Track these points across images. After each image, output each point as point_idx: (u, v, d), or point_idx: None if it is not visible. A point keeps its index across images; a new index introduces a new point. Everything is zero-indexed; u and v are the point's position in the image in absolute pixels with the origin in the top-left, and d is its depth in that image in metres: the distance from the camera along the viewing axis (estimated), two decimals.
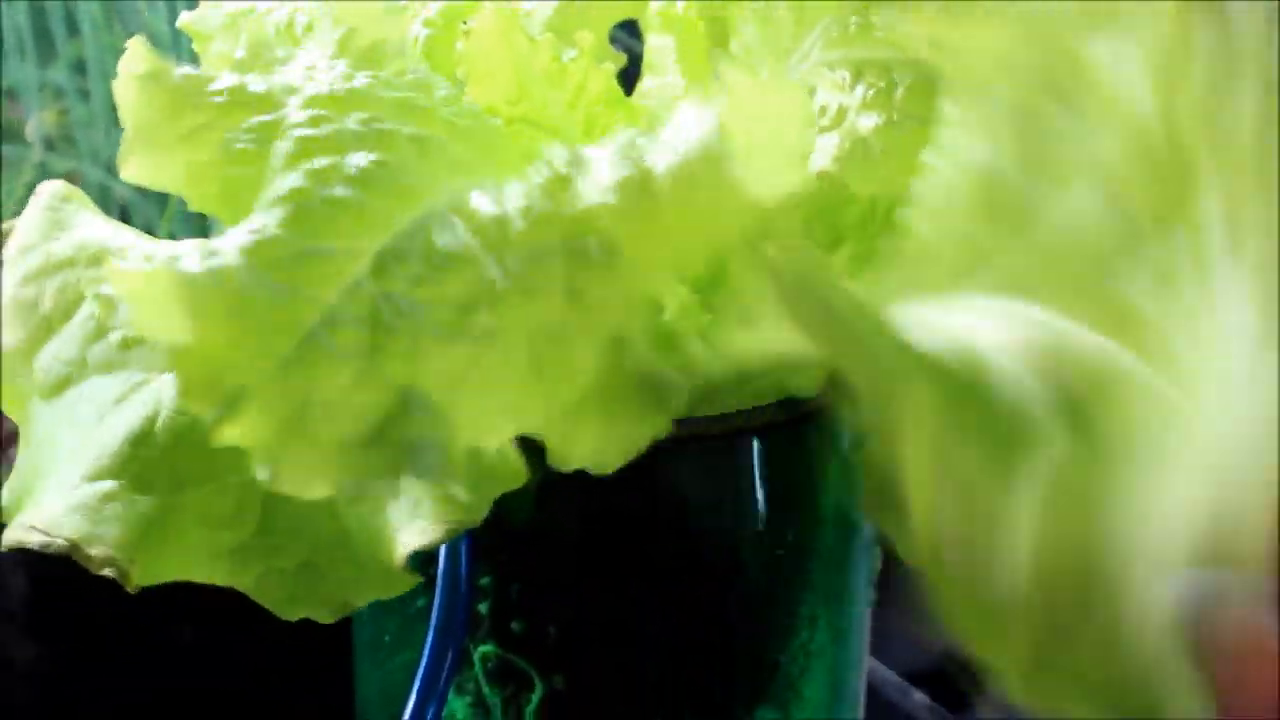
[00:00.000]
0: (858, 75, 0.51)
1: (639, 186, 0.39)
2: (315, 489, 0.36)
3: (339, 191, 0.39)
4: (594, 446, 0.38)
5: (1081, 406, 0.37)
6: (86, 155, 0.88)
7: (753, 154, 0.39)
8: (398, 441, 0.36)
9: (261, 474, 0.35)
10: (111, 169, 0.88)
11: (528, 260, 0.38)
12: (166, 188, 0.42)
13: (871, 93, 0.50)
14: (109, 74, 0.88)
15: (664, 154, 0.40)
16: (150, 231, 0.93)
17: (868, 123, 0.50)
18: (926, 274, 0.44)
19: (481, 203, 0.40)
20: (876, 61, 0.50)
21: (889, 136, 0.50)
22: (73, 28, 0.92)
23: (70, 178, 0.92)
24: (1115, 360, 0.37)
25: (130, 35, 0.80)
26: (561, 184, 0.40)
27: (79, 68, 0.91)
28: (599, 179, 0.40)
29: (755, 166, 0.40)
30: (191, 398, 0.35)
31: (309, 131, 0.41)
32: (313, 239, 0.38)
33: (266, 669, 0.81)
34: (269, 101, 0.42)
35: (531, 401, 0.38)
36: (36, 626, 0.82)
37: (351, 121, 0.42)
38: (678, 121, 0.42)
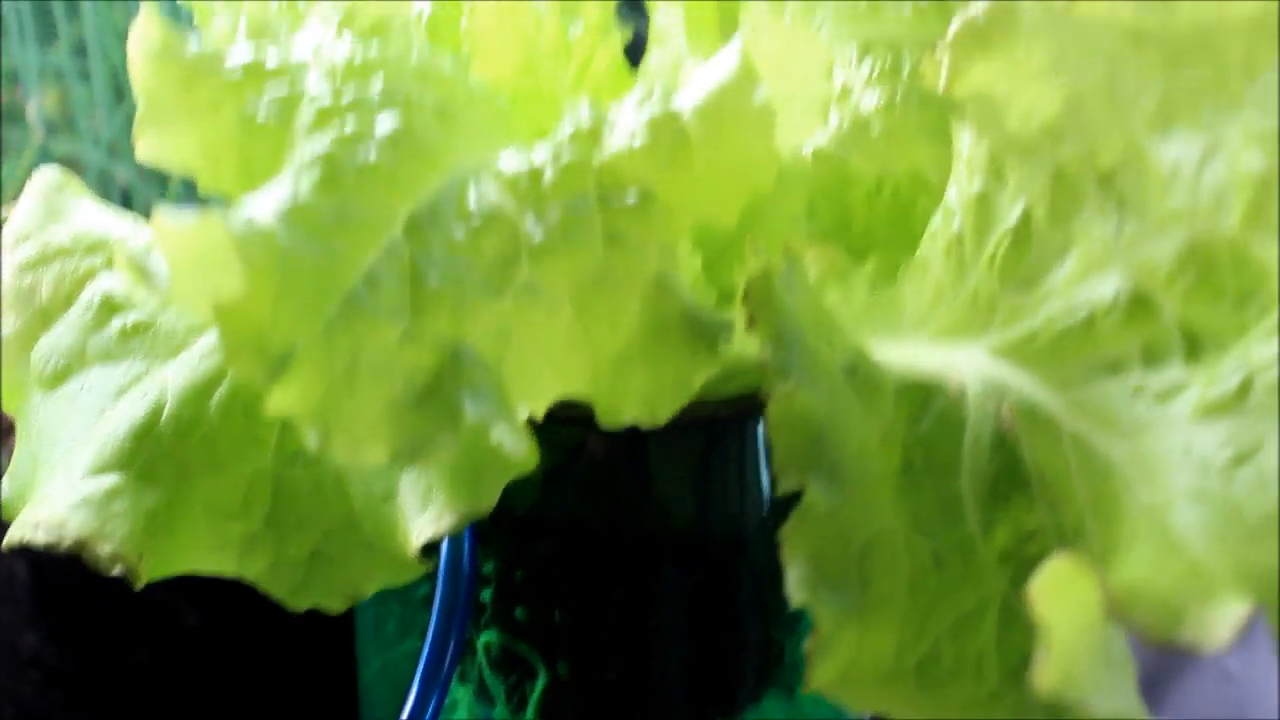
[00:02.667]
0: (865, 52, 0.50)
1: (666, 126, 0.39)
2: (369, 452, 0.35)
3: (368, 155, 0.39)
4: (644, 395, 0.38)
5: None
6: (87, 138, 0.87)
7: (776, 99, 0.39)
8: (451, 396, 0.35)
9: (312, 440, 0.35)
10: (113, 152, 0.88)
11: (563, 211, 0.38)
12: (180, 165, 0.42)
13: (877, 70, 0.50)
14: (110, 55, 0.87)
15: (690, 94, 0.40)
16: (150, 214, 0.93)
17: (870, 101, 0.50)
18: (930, 315, 0.44)
19: (510, 162, 0.39)
20: (884, 39, 0.50)
21: (890, 116, 0.49)
22: (73, 9, 0.91)
23: (71, 161, 0.92)
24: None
25: (131, 16, 0.80)
26: (588, 135, 0.40)
27: (80, 49, 0.91)
28: (625, 126, 0.40)
29: (779, 113, 0.39)
30: (238, 359, 0.34)
31: (332, 100, 0.40)
32: (346, 201, 0.37)
33: (270, 653, 0.81)
34: (286, 73, 0.41)
35: (578, 355, 0.38)
36: (40, 613, 0.81)
37: (374, 90, 0.41)
38: (703, 67, 0.41)
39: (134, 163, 0.88)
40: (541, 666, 0.55)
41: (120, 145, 0.87)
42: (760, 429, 0.54)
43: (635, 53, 0.65)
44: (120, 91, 0.87)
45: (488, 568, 0.55)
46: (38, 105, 0.88)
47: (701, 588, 0.56)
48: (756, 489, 0.55)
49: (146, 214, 0.89)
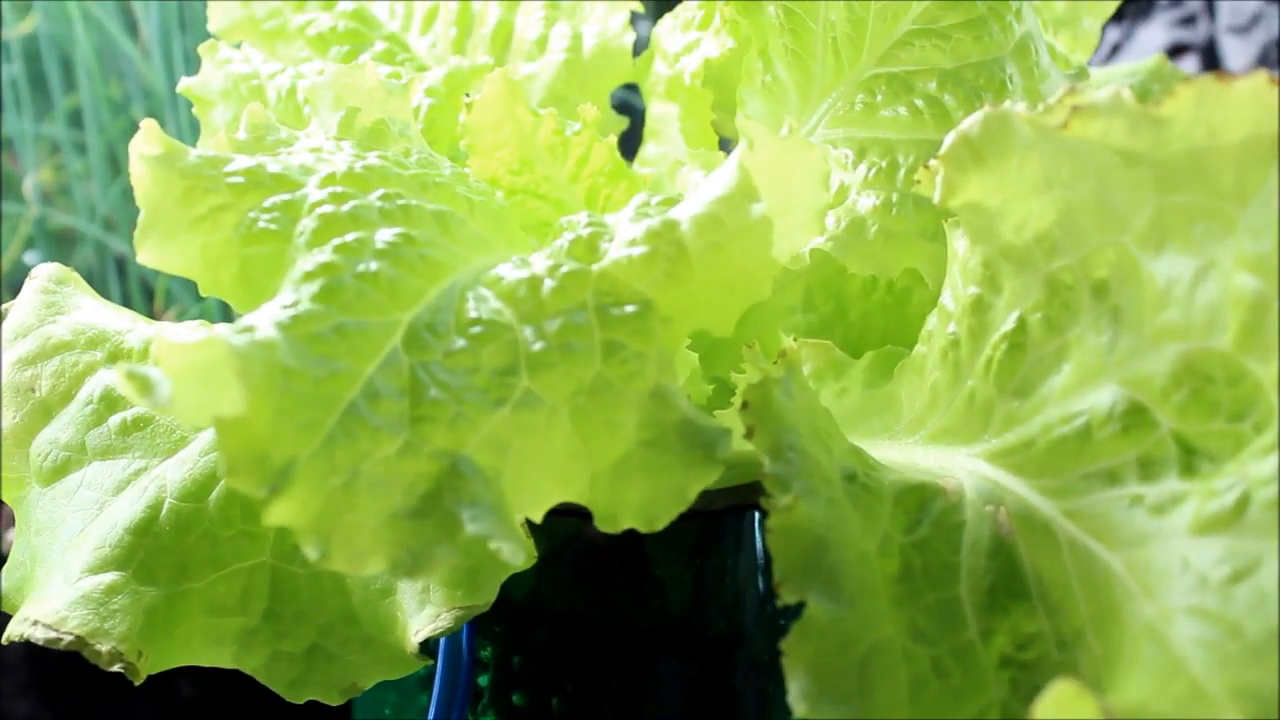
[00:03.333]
0: (861, 154, 0.51)
1: (664, 237, 0.39)
2: (368, 564, 0.35)
3: (369, 266, 0.39)
4: (641, 503, 0.38)
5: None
6: (83, 210, 0.87)
7: (774, 210, 0.39)
8: (450, 508, 0.36)
9: (311, 553, 0.35)
10: (108, 224, 0.88)
11: (562, 321, 0.38)
12: (182, 271, 0.42)
13: (873, 172, 0.50)
14: (105, 127, 0.88)
15: (688, 206, 0.40)
16: (148, 286, 0.93)
17: (866, 203, 0.50)
18: (927, 417, 0.44)
19: (508, 272, 0.40)
20: (880, 141, 0.50)
21: (886, 218, 0.50)
22: (69, 81, 0.91)
23: (67, 233, 0.92)
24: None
25: (127, 89, 0.79)
26: (586, 245, 0.40)
27: (75, 120, 0.91)
28: (622, 236, 0.40)
29: (777, 223, 0.40)
30: (239, 475, 0.34)
31: (332, 208, 0.40)
32: (347, 313, 0.37)
33: None
34: (287, 181, 0.42)
35: (577, 464, 0.38)
36: (35, 680, 0.81)
37: (374, 198, 0.41)
38: (702, 180, 0.41)
39: (130, 234, 0.89)
40: None
41: (116, 217, 0.87)
42: (757, 519, 0.54)
43: (632, 136, 0.66)
44: (116, 164, 0.87)
45: (485, 653, 0.55)
46: (33, 178, 0.88)
47: (698, 677, 0.56)
48: (753, 580, 0.55)
49: (141, 285, 0.88)
